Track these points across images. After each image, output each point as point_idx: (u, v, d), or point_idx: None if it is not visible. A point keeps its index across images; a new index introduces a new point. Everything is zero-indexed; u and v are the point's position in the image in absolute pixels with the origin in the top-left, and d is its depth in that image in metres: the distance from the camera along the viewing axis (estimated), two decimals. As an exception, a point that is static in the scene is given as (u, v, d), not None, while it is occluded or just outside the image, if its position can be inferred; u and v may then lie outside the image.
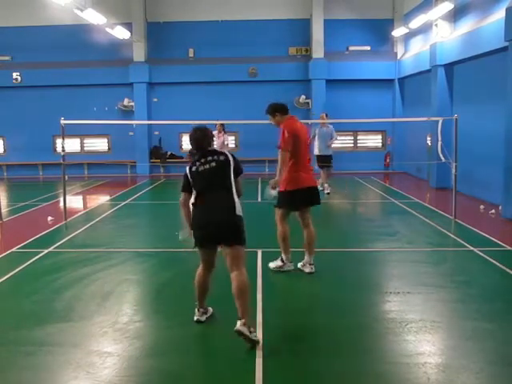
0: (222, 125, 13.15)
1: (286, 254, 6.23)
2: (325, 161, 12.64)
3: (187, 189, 4.54)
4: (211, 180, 4.44)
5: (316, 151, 12.65)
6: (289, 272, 6.24)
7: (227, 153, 4.58)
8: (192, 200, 4.53)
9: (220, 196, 4.42)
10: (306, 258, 6.27)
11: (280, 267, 6.24)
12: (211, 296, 4.75)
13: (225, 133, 13.18)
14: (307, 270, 6.22)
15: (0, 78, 18.31)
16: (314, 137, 12.57)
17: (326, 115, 13.11)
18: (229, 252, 4.39)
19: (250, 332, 4.16)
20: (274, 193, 6.04)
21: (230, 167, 4.47)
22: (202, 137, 4.58)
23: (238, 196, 4.51)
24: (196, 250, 4.55)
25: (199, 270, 4.64)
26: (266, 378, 3.73)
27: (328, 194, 12.54)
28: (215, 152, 4.57)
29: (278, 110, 6.09)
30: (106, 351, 4.17)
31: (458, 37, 12.62)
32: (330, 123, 12.90)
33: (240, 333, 4.13)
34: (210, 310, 4.82)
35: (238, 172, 4.53)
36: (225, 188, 4.44)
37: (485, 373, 3.81)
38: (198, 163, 4.49)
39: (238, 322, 4.17)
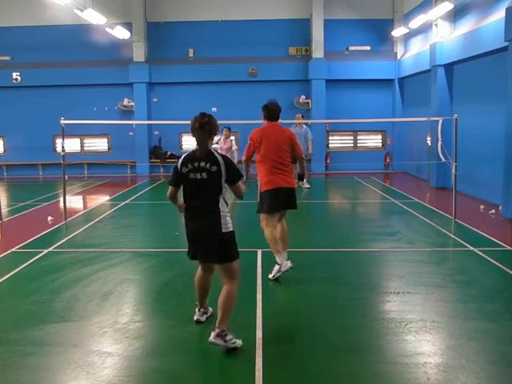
0: (229, 129, 12.73)
1: (279, 254, 5.98)
2: None
3: (176, 183, 4.30)
4: (200, 192, 4.15)
5: None
6: (289, 272, 6.23)
7: (221, 161, 4.11)
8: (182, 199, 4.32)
9: (206, 213, 4.14)
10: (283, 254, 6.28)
11: (279, 270, 5.95)
12: (212, 294, 4.74)
13: (227, 138, 12.65)
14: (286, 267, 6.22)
15: (0, 78, 18.31)
16: None
17: (302, 116, 14.27)
18: (220, 268, 4.24)
19: (226, 341, 4.06)
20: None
21: (221, 179, 4.11)
22: (204, 124, 4.10)
23: (239, 196, 4.30)
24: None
25: (199, 271, 4.59)
26: (265, 377, 3.73)
27: (308, 188, 13.71)
28: (210, 157, 4.12)
29: (264, 111, 6.14)
30: (106, 351, 4.17)
31: (457, 37, 12.62)
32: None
33: (215, 344, 4.06)
34: (210, 309, 4.81)
35: (233, 181, 4.18)
36: (212, 203, 4.14)
37: (485, 373, 3.80)
38: (190, 165, 4.14)
39: (212, 334, 4.08)
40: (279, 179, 5.98)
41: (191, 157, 4.18)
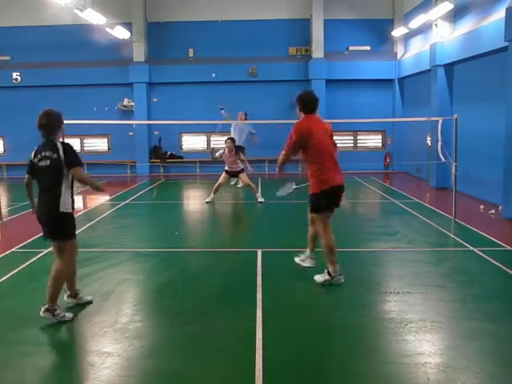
0: (233, 140, 11.86)
1: (333, 266, 5.73)
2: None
3: (30, 172, 4.93)
4: (43, 179, 4.80)
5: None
6: (288, 271, 6.23)
7: (60, 147, 4.74)
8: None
9: (47, 195, 4.78)
10: (308, 252, 6.15)
11: (329, 281, 5.75)
12: (212, 294, 4.74)
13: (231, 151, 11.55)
14: (307, 264, 6.13)
15: (0, 78, 18.31)
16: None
17: (246, 114, 14.77)
18: (53, 244, 4.95)
19: (55, 315, 4.68)
20: (287, 189, 5.92)
21: (62, 165, 4.72)
22: (46, 122, 4.77)
23: (89, 184, 5.02)
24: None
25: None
26: (265, 377, 3.73)
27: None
28: (52, 146, 4.75)
29: (301, 103, 5.69)
30: (106, 351, 4.17)
31: (457, 37, 12.62)
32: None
33: (46, 317, 4.68)
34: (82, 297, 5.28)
35: (71, 165, 4.74)
36: (53, 187, 4.74)
37: (485, 373, 3.81)
38: (39, 155, 4.77)
39: (42, 308, 4.68)
40: (337, 176, 5.65)
41: (38, 149, 4.84)
